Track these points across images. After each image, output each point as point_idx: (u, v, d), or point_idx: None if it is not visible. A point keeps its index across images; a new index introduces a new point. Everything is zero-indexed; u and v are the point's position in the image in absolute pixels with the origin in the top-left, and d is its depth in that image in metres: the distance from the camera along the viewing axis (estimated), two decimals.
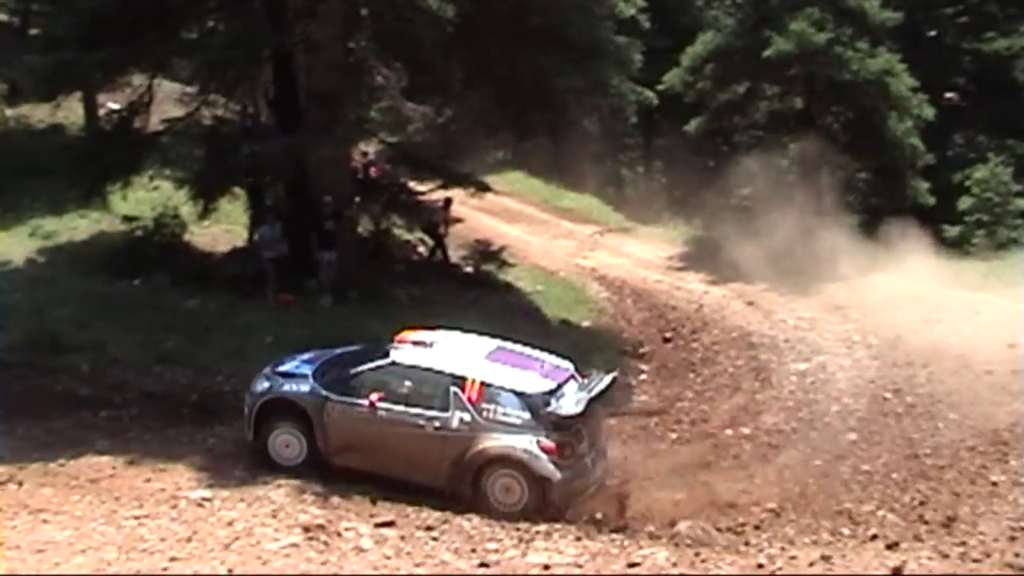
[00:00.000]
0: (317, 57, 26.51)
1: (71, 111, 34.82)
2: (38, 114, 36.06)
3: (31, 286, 25.46)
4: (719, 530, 16.41)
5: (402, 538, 15.26)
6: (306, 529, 14.94)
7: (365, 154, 31.10)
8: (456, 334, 18.38)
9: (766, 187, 35.53)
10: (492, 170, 38.83)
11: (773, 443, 21.02)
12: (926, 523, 16.74)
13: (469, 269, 30.24)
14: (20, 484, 16.62)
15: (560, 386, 17.10)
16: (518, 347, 18.15)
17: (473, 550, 14.97)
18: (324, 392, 17.38)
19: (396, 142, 30.80)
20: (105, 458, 17.83)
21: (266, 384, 17.96)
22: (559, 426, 16.48)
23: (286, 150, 25.96)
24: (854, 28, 36.77)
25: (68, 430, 19.07)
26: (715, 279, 32.72)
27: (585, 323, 28.84)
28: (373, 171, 30.61)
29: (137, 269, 26.54)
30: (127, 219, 29.00)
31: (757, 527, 16.76)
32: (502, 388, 16.73)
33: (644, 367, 25.96)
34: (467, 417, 16.62)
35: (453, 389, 16.78)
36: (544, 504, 16.29)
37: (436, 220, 30.11)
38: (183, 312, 24.40)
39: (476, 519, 16.07)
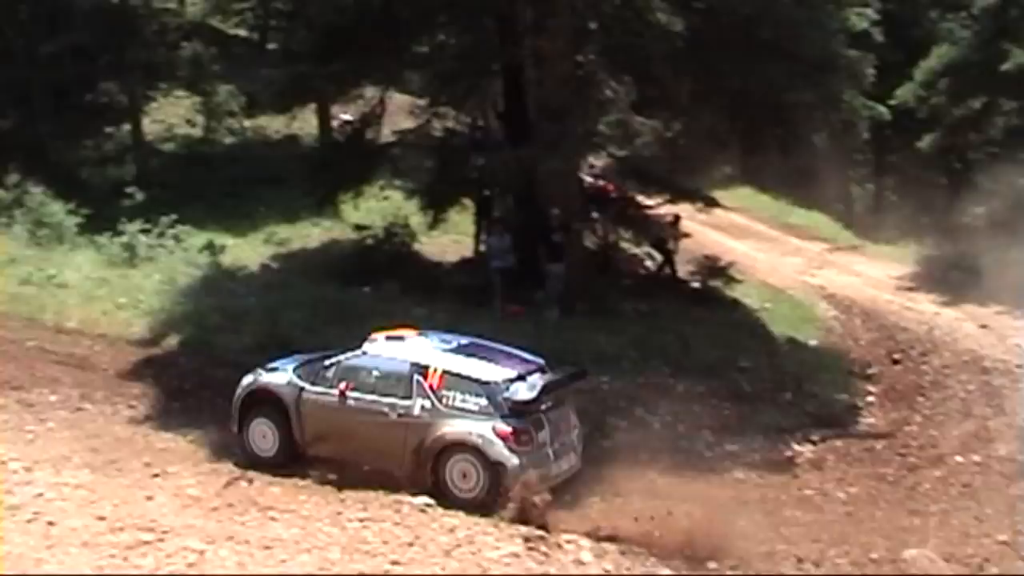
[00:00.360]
0: (546, 70, 26.49)
1: (306, 122, 35.79)
2: (274, 125, 37.12)
3: (265, 291, 26.17)
4: (946, 560, 15.93)
5: (622, 553, 15.14)
6: (526, 539, 14.87)
7: (593, 167, 31.06)
8: (433, 332, 18.48)
9: (1003, 206, 34.31)
10: (720, 185, 38.48)
11: (1006, 472, 20.16)
12: None
13: (696, 284, 29.87)
14: (250, 482, 16.97)
15: (522, 376, 16.99)
16: (492, 344, 18.09)
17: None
18: (300, 383, 17.72)
19: (624, 156, 30.58)
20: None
21: (251, 377, 18.39)
22: (517, 413, 16.49)
23: (515, 162, 26.05)
24: None
25: None
26: (947, 300, 31.63)
27: (812, 342, 28.22)
28: (602, 184, 30.57)
29: (367, 277, 27.00)
30: (358, 228, 29.63)
31: (987, 559, 16.18)
32: (461, 376, 16.82)
33: (872, 389, 25.28)
34: (428, 404, 16.77)
35: (416, 377, 16.96)
36: (499, 490, 16.17)
37: (664, 235, 29.89)
38: (411, 320, 24.67)
39: None
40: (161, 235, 28.13)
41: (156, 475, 16.93)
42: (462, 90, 27.79)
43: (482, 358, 17.40)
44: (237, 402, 18.23)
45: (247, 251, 29.39)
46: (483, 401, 16.62)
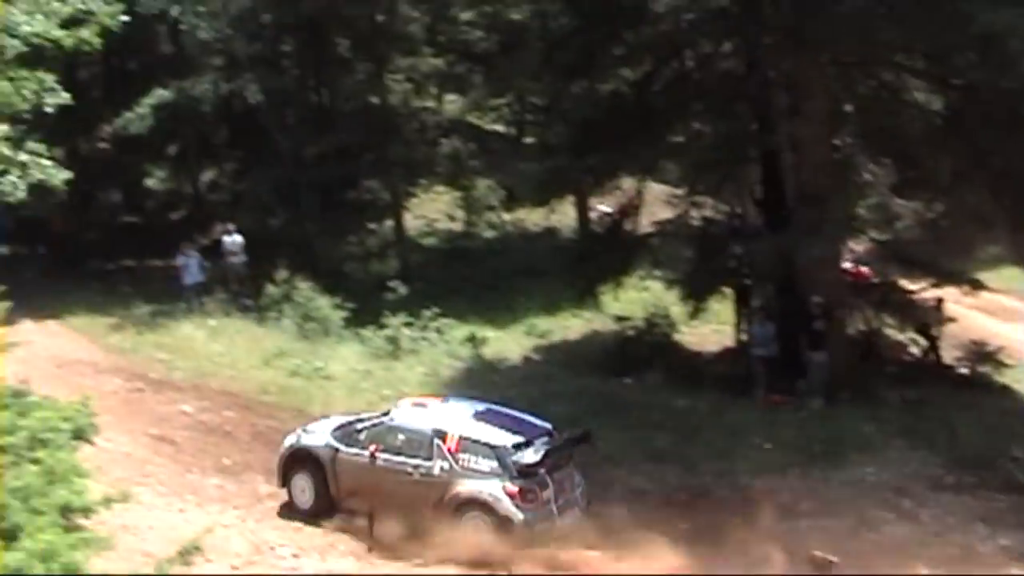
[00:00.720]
0: (803, 155, 26.31)
1: (564, 214, 36.20)
2: (533, 218, 37.66)
3: (526, 382, 26.36)
4: None
5: None
6: None
7: (853, 252, 30.52)
8: (455, 398, 20.62)
9: None
10: (986, 266, 37.21)
11: None
12: None
13: (964, 370, 28.96)
14: None
15: (530, 441, 18.63)
16: (506, 410, 19.66)
17: None
18: (335, 444, 19.65)
19: (885, 239, 29.99)
20: (594, 553, 18.14)
21: (293, 438, 20.37)
22: (524, 473, 18.18)
23: (775, 250, 25.84)
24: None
25: None
26: None
27: None
28: (859, 269, 30.02)
29: (628, 368, 27.05)
30: (618, 319, 29.73)
31: None
32: (476, 441, 18.58)
33: None
34: (446, 465, 18.55)
35: (436, 441, 18.73)
36: (508, 542, 17.78)
37: (929, 320, 29.12)
38: (673, 411, 24.57)
39: None
40: (424, 328, 28.71)
41: (419, 563, 17.39)
42: (719, 178, 27.82)
43: (495, 424, 19.06)
44: (281, 460, 20.26)
45: (508, 343, 29.75)
46: (494, 463, 18.35)
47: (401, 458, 18.88)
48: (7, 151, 16.11)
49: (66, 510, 10.79)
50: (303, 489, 19.85)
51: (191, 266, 30.68)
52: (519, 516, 18.01)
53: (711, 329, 30.12)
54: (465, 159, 37.04)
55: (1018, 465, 22.42)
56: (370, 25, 34.59)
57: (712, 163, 27.18)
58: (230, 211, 34.38)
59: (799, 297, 26.09)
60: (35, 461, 11.27)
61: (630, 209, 29.21)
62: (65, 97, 16.47)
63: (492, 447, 18.48)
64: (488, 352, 28.85)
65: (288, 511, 19.85)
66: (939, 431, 23.30)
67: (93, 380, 24.76)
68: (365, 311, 29.67)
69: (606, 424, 23.24)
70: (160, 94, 31.26)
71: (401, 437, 19.09)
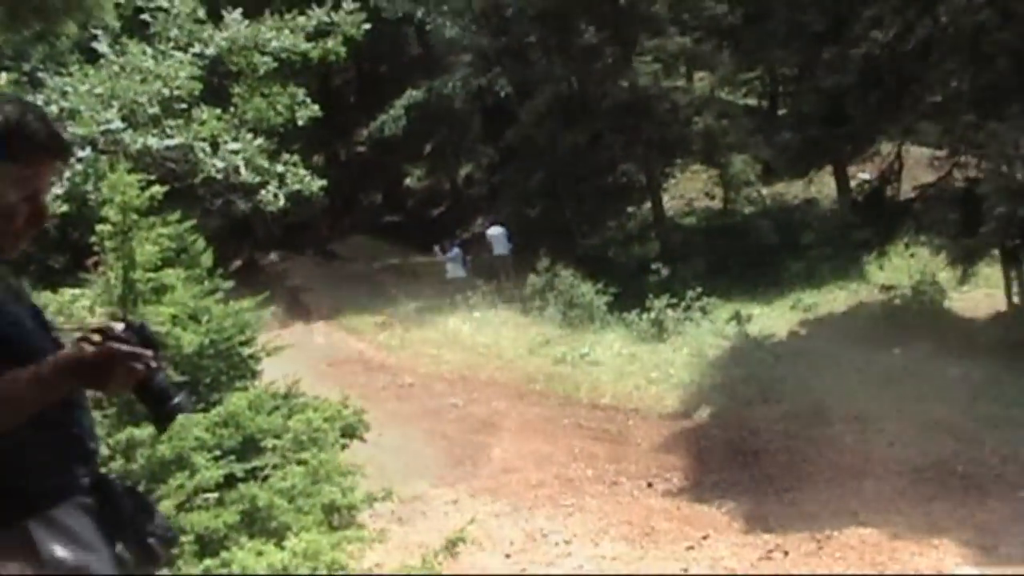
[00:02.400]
0: None
1: (824, 184, 35.48)
2: (792, 191, 37.04)
3: (794, 358, 25.99)
4: None
5: None
6: None
7: None
8: None
9: None
10: None
11: None
12: None
13: None
14: (786, 553, 16.90)
15: None
16: None
17: None
18: None
19: None
20: (868, 530, 17.66)
21: None
22: None
23: None
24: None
25: (832, 501, 19.14)
26: None
27: None
28: None
29: (896, 338, 26.35)
30: (884, 288, 28.97)
31: None
32: None
33: None
34: None
35: None
36: None
37: None
38: (946, 381, 23.82)
39: None
40: (687, 308, 28.64)
41: (690, 547, 17.19)
42: (982, 137, 26.81)
43: None
44: None
45: (774, 319, 29.35)
46: None
47: None
48: (264, 163, 16.71)
49: (331, 509, 11.13)
50: None
51: (455, 260, 31.26)
52: None
53: (983, 294, 29.06)
54: (719, 135, 36.72)
55: None
56: (614, 9, 34.57)
57: (972, 123, 26.15)
58: (489, 204, 34.91)
59: None
60: (301, 462, 11.66)
61: (891, 175, 28.46)
62: (315, 109, 17.01)
63: None
64: (754, 329, 28.50)
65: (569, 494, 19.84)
66: None
67: (364, 378, 25.51)
68: (628, 295, 29.77)
69: (876, 398, 22.84)
70: (412, 95, 31.95)
71: None
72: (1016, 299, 26.94)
